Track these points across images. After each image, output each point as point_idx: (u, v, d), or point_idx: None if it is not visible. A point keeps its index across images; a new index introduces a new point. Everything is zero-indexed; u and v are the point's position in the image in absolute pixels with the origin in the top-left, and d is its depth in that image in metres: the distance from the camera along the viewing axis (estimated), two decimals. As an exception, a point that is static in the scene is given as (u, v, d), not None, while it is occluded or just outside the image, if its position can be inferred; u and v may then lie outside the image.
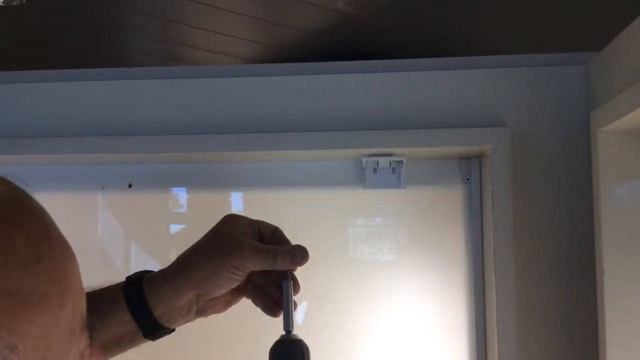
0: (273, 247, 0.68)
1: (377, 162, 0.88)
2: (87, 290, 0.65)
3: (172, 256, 0.99)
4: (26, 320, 0.33)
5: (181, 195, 0.99)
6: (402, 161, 0.88)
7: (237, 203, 0.99)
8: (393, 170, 0.89)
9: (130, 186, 0.97)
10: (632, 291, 0.75)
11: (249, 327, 0.90)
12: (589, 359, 0.81)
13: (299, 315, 0.92)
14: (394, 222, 0.96)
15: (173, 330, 0.68)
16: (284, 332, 0.68)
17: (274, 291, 0.70)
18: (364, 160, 0.88)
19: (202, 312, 0.68)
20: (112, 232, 0.99)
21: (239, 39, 2.16)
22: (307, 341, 0.68)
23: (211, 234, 0.70)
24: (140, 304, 0.65)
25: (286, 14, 1.99)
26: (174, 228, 1.01)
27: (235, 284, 0.67)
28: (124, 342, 0.66)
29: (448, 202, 0.92)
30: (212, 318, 0.70)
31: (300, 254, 0.69)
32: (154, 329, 0.66)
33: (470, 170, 0.91)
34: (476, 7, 1.81)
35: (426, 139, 0.86)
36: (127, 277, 0.68)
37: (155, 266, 0.96)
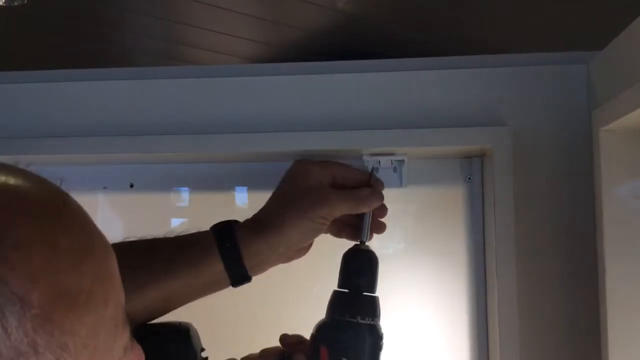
0: (355, 194, 0.72)
1: (379, 161, 0.87)
2: (169, 235, 0.69)
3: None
4: (76, 319, 0.34)
5: (183, 195, 0.99)
6: (403, 160, 0.88)
7: (240, 203, 0.99)
8: (394, 170, 0.89)
9: (132, 186, 0.97)
10: (635, 290, 0.74)
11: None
12: (592, 357, 0.81)
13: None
14: (394, 221, 0.96)
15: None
16: (357, 242, 0.73)
17: (355, 220, 0.74)
18: (365, 159, 0.88)
19: (288, 259, 0.72)
20: (113, 233, 0.99)
21: (240, 39, 2.15)
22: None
23: (290, 188, 0.74)
24: (234, 256, 0.67)
25: (287, 14, 1.99)
26: (176, 229, 1.01)
27: (322, 232, 0.71)
28: (209, 290, 0.69)
29: (449, 201, 0.92)
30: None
31: (379, 198, 0.75)
32: (242, 279, 0.68)
33: (471, 169, 0.91)
34: (477, 5, 1.81)
35: (427, 138, 0.86)
36: (213, 228, 0.71)
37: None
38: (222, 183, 0.96)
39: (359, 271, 0.70)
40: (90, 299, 0.35)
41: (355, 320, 0.65)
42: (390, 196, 0.93)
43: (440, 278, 0.92)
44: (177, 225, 1.01)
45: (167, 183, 0.97)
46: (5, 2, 1.56)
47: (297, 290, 0.94)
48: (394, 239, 0.95)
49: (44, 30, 2.09)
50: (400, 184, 0.90)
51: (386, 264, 0.95)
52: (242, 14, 1.99)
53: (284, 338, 0.71)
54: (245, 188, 0.97)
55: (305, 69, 0.92)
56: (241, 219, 0.98)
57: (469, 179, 0.91)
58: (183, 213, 1.00)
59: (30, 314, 0.32)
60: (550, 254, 0.85)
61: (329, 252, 0.75)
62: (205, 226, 0.99)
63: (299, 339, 0.70)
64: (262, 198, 0.97)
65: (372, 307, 0.68)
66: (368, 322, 0.66)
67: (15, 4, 1.47)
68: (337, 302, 0.68)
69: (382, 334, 0.68)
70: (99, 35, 2.17)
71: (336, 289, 0.70)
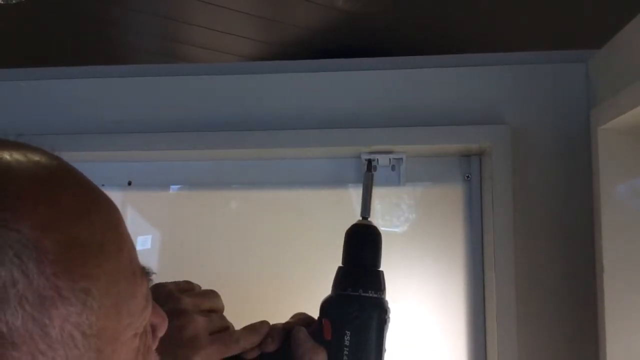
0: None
1: (377, 159, 0.87)
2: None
3: (171, 254, 0.99)
4: (94, 266, 0.35)
5: (181, 192, 0.99)
6: (402, 158, 0.88)
7: (236, 200, 0.99)
8: (393, 168, 0.89)
9: (129, 184, 0.97)
10: (632, 288, 0.74)
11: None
12: (590, 356, 0.81)
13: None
14: (393, 220, 0.96)
15: None
16: (360, 218, 0.72)
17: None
18: (363, 157, 0.88)
19: None
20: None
21: (239, 37, 2.15)
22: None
23: None
24: None
25: (286, 12, 1.99)
26: (174, 225, 1.00)
27: None
28: None
29: (448, 199, 0.92)
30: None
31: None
32: None
33: (470, 167, 0.91)
34: (477, 4, 1.81)
35: (426, 136, 0.86)
36: None
37: (155, 264, 0.96)
38: (219, 180, 0.96)
39: (360, 246, 0.70)
40: (104, 248, 0.36)
41: (357, 294, 0.65)
42: (389, 194, 0.93)
43: (439, 276, 0.92)
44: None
45: (165, 180, 0.97)
46: (3, 0, 1.56)
47: (304, 274, 0.94)
48: (393, 237, 0.95)
49: (43, 28, 2.09)
50: (398, 182, 0.90)
51: (385, 262, 0.95)
52: (241, 13, 1.99)
53: (287, 325, 0.69)
54: (242, 185, 0.97)
55: (303, 67, 0.92)
56: (239, 216, 0.98)
57: (468, 177, 0.91)
58: (181, 211, 1.00)
59: (48, 260, 0.33)
60: (548, 252, 0.84)
61: (335, 239, 0.74)
62: (203, 224, 1.00)
63: (301, 317, 0.69)
64: (259, 196, 0.97)
65: (374, 281, 0.67)
66: (371, 295, 0.65)
67: (13, 2, 1.47)
68: (340, 277, 0.68)
69: (387, 307, 0.67)
70: (98, 34, 2.17)
71: (340, 265, 0.71)
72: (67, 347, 0.33)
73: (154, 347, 0.43)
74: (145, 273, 0.41)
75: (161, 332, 0.44)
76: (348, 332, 0.64)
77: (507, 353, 0.81)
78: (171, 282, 0.64)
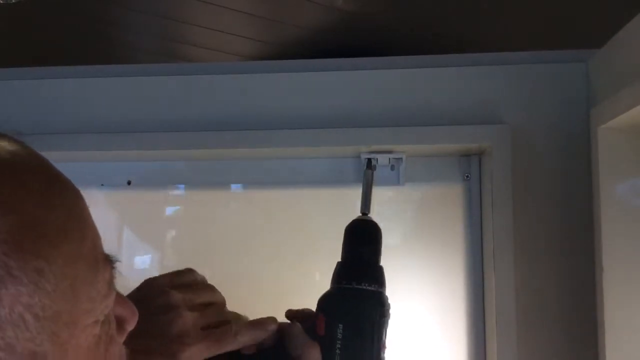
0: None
1: (377, 159, 0.87)
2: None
3: (171, 254, 0.99)
4: (50, 247, 0.34)
5: (180, 192, 0.99)
6: (401, 158, 0.88)
7: (235, 200, 0.99)
8: (392, 168, 0.89)
9: (129, 183, 0.97)
10: (632, 288, 0.74)
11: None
12: (589, 355, 0.81)
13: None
14: (392, 220, 0.95)
15: None
16: (360, 214, 0.72)
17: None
18: (363, 157, 0.88)
19: None
20: (110, 230, 0.99)
21: (239, 37, 2.15)
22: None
23: None
24: None
25: (286, 12, 1.99)
26: (173, 226, 1.00)
27: None
28: None
29: (447, 199, 0.92)
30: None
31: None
32: None
33: (469, 167, 0.91)
34: (476, 3, 1.81)
35: (426, 136, 0.86)
36: None
37: (154, 263, 0.96)
38: (219, 180, 0.96)
39: (359, 241, 0.69)
40: (65, 232, 0.36)
41: (350, 286, 0.64)
42: (389, 194, 0.93)
43: (438, 276, 0.92)
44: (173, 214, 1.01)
45: (165, 180, 0.97)
46: (3, 0, 1.56)
47: (304, 274, 0.94)
48: (392, 237, 0.94)
49: (43, 28, 2.09)
50: (398, 182, 0.90)
51: (384, 262, 0.95)
52: (241, 12, 1.99)
53: (288, 313, 0.69)
54: (242, 185, 0.97)
55: (302, 67, 0.92)
56: (239, 216, 0.98)
57: (467, 177, 0.91)
58: (180, 210, 1.00)
59: None
60: (548, 252, 0.84)
61: (334, 241, 0.73)
62: (203, 224, 0.99)
63: (305, 311, 0.69)
64: (259, 196, 0.97)
65: (370, 273, 0.64)
66: (365, 287, 0.63)
67: (13, 1, 1.47)
68: (336, 271, 0.67)
69: (385, 301, 0.65)
70: (97, 33, 2.17)
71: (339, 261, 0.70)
72: (18, 329, 0.32)
73: (122, 340, 0.42)
74: (109, 260, 0.40)
75: (130, 326, 0.43)
76: (341, 325, 0.62)
77: (507, 353, 0.80)
78: (165, 275, 0.63)
